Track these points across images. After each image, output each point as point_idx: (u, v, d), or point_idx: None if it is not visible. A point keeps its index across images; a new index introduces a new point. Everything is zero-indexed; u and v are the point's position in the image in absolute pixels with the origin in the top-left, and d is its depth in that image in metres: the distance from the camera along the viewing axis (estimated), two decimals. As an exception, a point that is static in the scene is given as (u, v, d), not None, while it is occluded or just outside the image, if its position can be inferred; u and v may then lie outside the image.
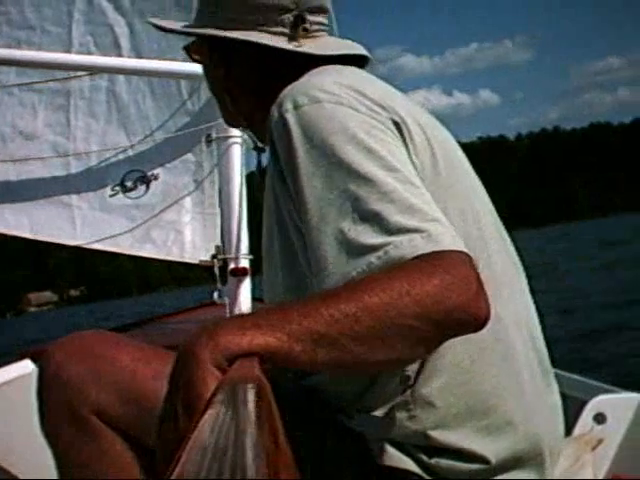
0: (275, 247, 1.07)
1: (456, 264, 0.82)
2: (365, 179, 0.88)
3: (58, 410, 1.16)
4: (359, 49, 1.19)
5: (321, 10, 1.17)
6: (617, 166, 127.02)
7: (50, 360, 1.18)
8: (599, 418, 1.45)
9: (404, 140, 0.97)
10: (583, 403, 1.46)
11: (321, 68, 1.08)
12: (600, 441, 1.35)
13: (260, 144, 1.30)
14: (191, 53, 1.27)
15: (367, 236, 0.85)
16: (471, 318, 0.82)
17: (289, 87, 1.00)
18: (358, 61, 1.17)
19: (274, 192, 1.02)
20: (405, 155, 0.95)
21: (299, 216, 0.94)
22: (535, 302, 1.15)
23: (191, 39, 1.27)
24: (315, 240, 0.89)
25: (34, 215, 2.67)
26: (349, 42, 1.21)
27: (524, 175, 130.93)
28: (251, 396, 0.56)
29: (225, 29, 1.16)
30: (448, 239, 0.84)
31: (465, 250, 0.84)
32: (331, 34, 1.21)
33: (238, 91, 1.21)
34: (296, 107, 0.95)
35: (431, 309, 0.79)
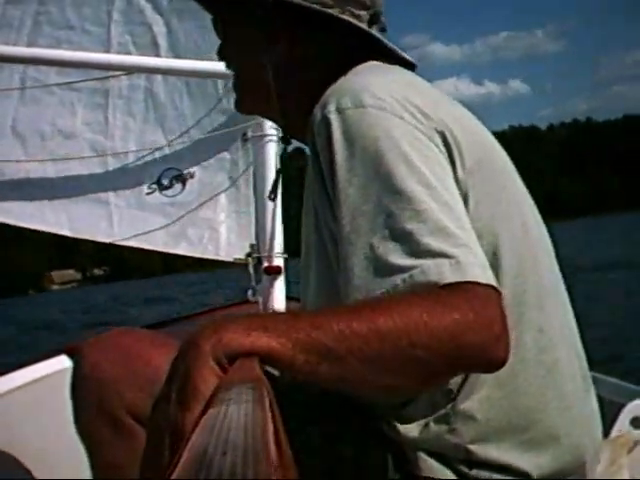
0: (311, 250, 1.06)
1: (482, 301, 0.80)
2: (401, 194, 0.86)
3: (93, 409, 1.17)
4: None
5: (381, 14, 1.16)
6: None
7: (85, 358, 1.19)
8: (636, 422, 1.43)
9: (449, 149, 0.95)
10: (620, 407, 1.44)
11: (366, 65, 1.06)
12: (637, 443, 1.33)
13: (288, 136, 1.24)
14: (229, 24, 1.20)
15: (395, 256, 0.83)
16: (486, 361, 0.80)
17: (334, 86, 0.99)
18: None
19: (312, 194, 1.01)
20: (447, 170, 0.93)
21: (334, 222, 0.93)
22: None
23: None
24: (345, 251, 0.89)
25: (72, 213, 2.71)
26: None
27: (556, 166, 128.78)
28: (251, 396, 0.56)
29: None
30: (477, 269, 0.81)
31: (494, 284, 0.82)
32: None
33: (288, 74, 1.14)
34: (339, 110, 0.94)
35: (445, 344, 0.77)
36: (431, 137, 0.94)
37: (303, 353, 0.74)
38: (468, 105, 1.10)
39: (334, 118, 0.93)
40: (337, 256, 0.93)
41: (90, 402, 1.17)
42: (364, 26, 1.11)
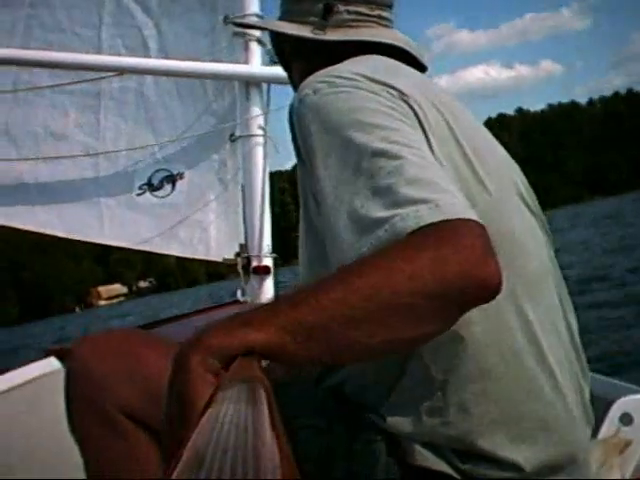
0: (304, 233, 1.07)
1: (459, 232, 0.78)
2: (379, 156, 0.87)
3: (86, 408, 1.17)
4: (399, 41, 1.21)
5: (362, 1, 1.21)
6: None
7: (78, 358, 1.19)
8: (625, 419, 1.40)
9: (420, 122, 0.97)
10: (609, 403, 1.42)
11: (353, 58, 1.10)
12: (628, 444, 1.32)
13: None
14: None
15: (376, 210, 0.83)
16: (476, 284, 0.76)
17: (310, 76, 1.03)
18: (406, 54, 1.20)
19: (299, 174, 1.04)
20: (420, 135, 0.95)
21: (317, 196, 0.94)
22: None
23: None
24: (331, 219, 0.89)
25: (64, 213, 2.74)
26: (401, 37, 1.23)
27: (600, 140, 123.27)
28: (251, 395, 0.56)
29: (282, 20, 1.27)
30: (457, 208, 0.80)
31: (475, 218, 0.79)
32: (389, 27, 1.24)
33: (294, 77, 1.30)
34: (315, 91, 0.98)
35: (428, 283, 0.74)
36: (402, 107, 0.97)
37: (289, 335, 0.72)
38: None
39: (310, 98, 0.98)
40: (324, 230, 0.94)
41: (83, 401, 1.17)
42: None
